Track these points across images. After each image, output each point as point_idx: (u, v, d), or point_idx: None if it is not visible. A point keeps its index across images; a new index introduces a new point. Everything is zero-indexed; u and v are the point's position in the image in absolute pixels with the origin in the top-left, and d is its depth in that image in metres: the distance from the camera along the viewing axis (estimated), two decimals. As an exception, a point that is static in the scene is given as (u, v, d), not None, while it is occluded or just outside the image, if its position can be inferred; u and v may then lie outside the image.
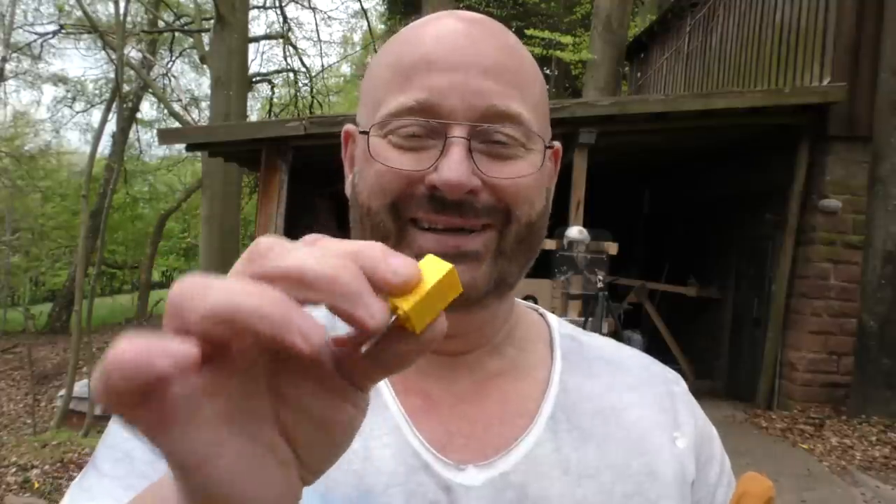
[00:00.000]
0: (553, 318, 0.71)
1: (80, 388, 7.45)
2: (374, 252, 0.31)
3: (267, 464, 0.31)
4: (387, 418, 0.58)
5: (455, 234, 0.55)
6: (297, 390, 0.32)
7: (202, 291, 0.28)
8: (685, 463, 0.63)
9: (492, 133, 0.56)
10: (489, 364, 0.63)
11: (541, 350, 0.66)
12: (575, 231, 6.00)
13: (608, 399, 0.64)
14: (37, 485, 5.13)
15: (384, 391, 0.60)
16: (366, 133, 0.58)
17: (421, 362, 0.61)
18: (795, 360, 6.92)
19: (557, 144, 0.64)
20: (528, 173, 0.57)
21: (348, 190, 0.63)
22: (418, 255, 0.53)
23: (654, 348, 8.30)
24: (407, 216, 0.56)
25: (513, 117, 0.56)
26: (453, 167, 0.53)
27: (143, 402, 0.27)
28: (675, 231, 9.96)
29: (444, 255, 0.53)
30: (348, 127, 0.65)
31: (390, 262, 0.31)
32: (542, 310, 0.72)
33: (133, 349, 0.26)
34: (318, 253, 0.30)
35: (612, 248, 6.29)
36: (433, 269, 0.33)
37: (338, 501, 0.54)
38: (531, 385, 0.63)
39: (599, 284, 6.03)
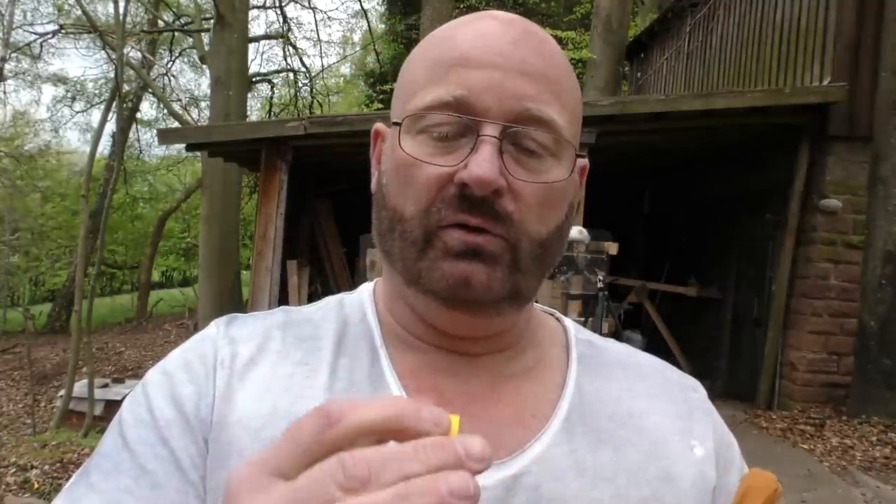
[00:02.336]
0: (570, 323, 0.71)
1: (79, 388, 7.44)
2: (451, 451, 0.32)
3: None
4: None
5: (478, 233, 0.55)
6: None
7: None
8: (704, 470, 0.62)
9: (523, 136, 0.56)
10: (506, 367, 0.63)
11: (557, 354, 0.66)
12: (575, 231, 6.00)
13: (625, 404, 0.63)
14: (36, 485, 5.13)
15: (394, 389, 0.60)
16: (398, 124, 0.57)
17: (437, 361, 0.62)
18: (795, 360, 6.92)
19: (585, 161, 0.63)
20: (554, 180, 0.57)
21: (374, 188, 0.63)
22: (445, 254, 0.55)
23: (654, 348, 8.30)
24: (436, 223, 0.55)
25: (546, 123, 0.56)
26: (483, 164, 0.53)
27: None
28: (675, 231, 9.96)
29: (465, 252, 0.55)
30: (378, 125, 0.65)
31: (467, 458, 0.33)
32: (558, 314, 0.71)
33: None
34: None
35: (612, 248, 6.29)
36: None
37: None
38: (547, 387, 0.63)
39: (599, 284, 6.03)
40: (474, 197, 0.54)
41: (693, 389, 0.68)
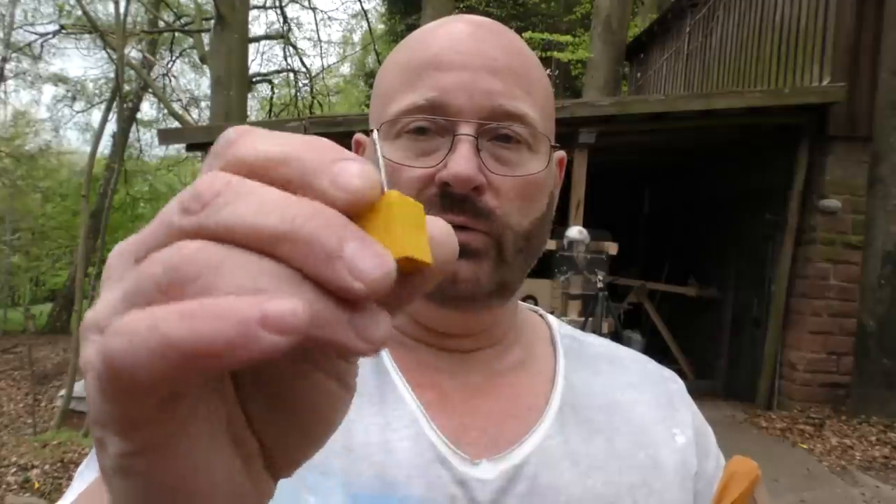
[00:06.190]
0: (553, 319, 0.73)
1: (80, 388, 7.45)
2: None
3: (225, 455, 0.24)
4: (404, 412, 0.59)
5: (462, 230, 0.56)
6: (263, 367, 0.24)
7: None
8: (686, 457, 0.65)
9: (498, 132, 0.57)
10: (498, 362, 0.65)
11: (543, 348, 0.68)
12: (575, 231, 6.00)
13: (612, 395, 0.66)
14: (37, 485, 5.14)
15: (399, 385, 0.61)
16: (376, 131, 0.59)
17: (431, 359, 0.63)
18: (795, 359, 6.93)
19: (562, 153, 0.65)
20: (532, 173, 0.59)
21: None
22: None
23: (654, 348, 8.30)
24: None
25: (519, 117, 0.58)
26: (461, 162, 0.55)
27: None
28: (675, 231, 9.96)
29: None
30: (358, 136, 0.66)
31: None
32: (541, 311, 0.73)
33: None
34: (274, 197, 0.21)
35: (612, 248, 6.29)
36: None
37: (361, 492, 0.55)
38: (539, 381, 0.65)
39: (599, 284, 6.02)
40: (456, 195, 0.56)
41: (672, 381, 0.71)
